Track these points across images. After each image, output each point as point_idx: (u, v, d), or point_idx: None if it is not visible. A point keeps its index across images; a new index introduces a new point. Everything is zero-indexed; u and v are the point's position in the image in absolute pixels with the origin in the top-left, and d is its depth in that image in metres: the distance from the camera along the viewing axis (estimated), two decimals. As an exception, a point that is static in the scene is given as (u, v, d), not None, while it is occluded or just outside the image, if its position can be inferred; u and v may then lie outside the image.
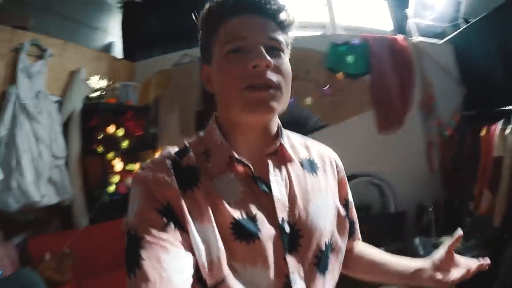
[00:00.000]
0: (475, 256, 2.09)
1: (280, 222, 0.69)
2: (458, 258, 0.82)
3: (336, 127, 3.20)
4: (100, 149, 2.99)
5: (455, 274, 0.79)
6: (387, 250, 2.60)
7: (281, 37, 0.71)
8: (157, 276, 0.57)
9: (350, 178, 3.05)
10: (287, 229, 0.70)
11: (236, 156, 0.71)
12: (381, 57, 3.03)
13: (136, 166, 3.32)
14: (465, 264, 0.81)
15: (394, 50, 3.03)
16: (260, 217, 0.69)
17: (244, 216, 0.67)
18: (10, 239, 2.22)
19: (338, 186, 0.87)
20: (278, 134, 0.78)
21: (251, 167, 0.71)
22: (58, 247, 2.40)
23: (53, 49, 2.53)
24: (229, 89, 0.68)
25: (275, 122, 0.78)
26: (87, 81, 2.91)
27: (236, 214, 0.67)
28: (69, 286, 2.27)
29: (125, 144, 3.14)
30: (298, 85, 3.14)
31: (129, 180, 3.22)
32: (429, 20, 3.26)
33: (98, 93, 2.98)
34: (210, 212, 0.65)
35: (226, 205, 0.67)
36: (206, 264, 0.62)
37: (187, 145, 0.76)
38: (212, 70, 0.73)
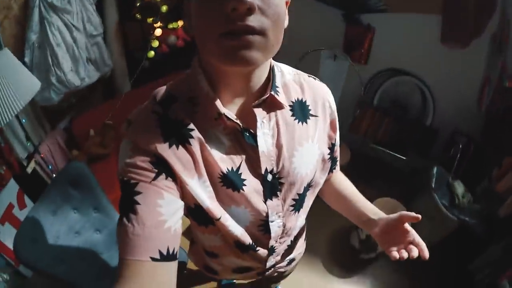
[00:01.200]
0: (473, 224, 2.12)
1: (263, 172, 0.75)
2: (409, 234, 0.82)
3: (398, 16, 2.80)
4: (138, 15, 2.95)
5: (393, 251, 0.82)
6: (405, 163, 2.68)
7: None
8: (153, 220, 0.60)
9: (397, 72, 2.94)
10: (269, 178, 0.76)
11: (225, 113, 0.68)
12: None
13: (179, 23, 3.26)
14: (408, 246, 0.81)
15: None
16: (246, 169, 0.73)
17: (231, 169, 0.71)
18: (56, 126, 2.49)
19: (329, 128, 0.87)
20: (269, 78, 0.74)
21: (240, 124, 0.70)
22: (102, 120, 2.64)
23: None
24: (204, 34, 0.59)
25: (266, 66, 0.73)
26: None
27: (224, 167, 0.71)
28: (114, 157, 2.56)
29: (164, 8, 3.03)
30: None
31: (171, 38, 3.25)
32: None
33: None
34: (202, 165, 0.69)
35: (215, 159, 0.70)
36: (208, 206, 0.71)
37: (171, 91, 0.73)
38: (191, 6, 0.62)
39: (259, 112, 0.72)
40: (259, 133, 0.72)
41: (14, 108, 1.75)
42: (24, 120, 2.00)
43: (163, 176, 0.64)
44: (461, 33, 2.47)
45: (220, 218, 0.74)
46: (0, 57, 1.74)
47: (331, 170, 0.95)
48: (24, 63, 2.03)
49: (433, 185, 2.45)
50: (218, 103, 0.68)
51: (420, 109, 3.10)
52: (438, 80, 2.88)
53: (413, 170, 3.05)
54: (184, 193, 0.69)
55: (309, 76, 0.87)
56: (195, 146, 0.68)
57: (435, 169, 2.57)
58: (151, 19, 2.99)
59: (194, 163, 0.68)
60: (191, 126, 0.68)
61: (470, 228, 2.14)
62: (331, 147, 0.89)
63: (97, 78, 2.69)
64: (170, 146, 0.66)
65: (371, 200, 0.90)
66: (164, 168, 0.65)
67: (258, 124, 0.72)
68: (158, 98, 0.72)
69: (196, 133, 0.68)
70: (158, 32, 3.07)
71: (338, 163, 0.99)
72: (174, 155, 0.66)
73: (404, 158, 2.94)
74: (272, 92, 0.72)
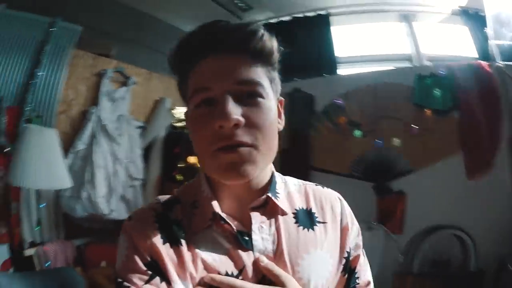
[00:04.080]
0: None
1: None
2: None
3: (422, 172, 2.80)
4: (179, 177, 3.18)
5: None
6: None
7: (257, 75, 0.64)
8: None
9: (433, 229, 2.68)
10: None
11: (220, 213, 0.67)
12: (468, 88, 2.63)
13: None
14: None
15: (480, 78, 2.60)
16: (248, 276, 0.65)
17: (230, 273, 0.64)
18: (71, 239, 2.42)
19: (340, 235, 0.77)
20: (270, 184, 0.73)
21: (233, 226, 0.67)
22: (115, 259, 2.57)
23: (138, 78, 2.78)
24: (201, 150, 0.65)
25: (266, 172, 0.72)
26: (172, 111, 3.15)
27: (219, 270, 0.64)
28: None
29: (204, 175, 3.25)
30: (386, 124, 2.89)
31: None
32: (509, 39, 2.74)
33: (182, 123, 3.21)
34: (192, 271, 0.63)
35: (207, 262, 0.64)
36: None
37: (176, 195, 0.74)
38: (188, 119, 0.68)
39: (255, 216, 0.70)
40: (256, 237, 0.68)
41: (35, 183, 1.79)
42: (41, 206, 1.97)
43: (157, 280, 0.62)
44: (483, 157, 2.47)
45: None
46: (48, 133, 1.91)
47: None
48: (64, 164, 2.15)
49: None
50: (214, 203, 0.68)
51: (462, 256, 2.72)
52: (473, 218, 2.65)
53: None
54: None
55: (316, 185, 0.84)
56: (185, 247, 0.66)
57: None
58: (189, 184, 3.18)
59: (184, 268, 0.64)
60: (185, 227, 0.68)
61: None
62: (347, 256, 0.77)
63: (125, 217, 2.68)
64: (164, 243, 0.65)
65: None
66: (157, 270, 0.63)
67: (254, 227, 0.69)
68: (162, 199, 0.74)
69: (190, 235, 0.67)
70: (194, 195, 3.20)
71: (363, 279, 0.80)
72: (167, 254, 0.64)
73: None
74: (270, 194, 0.71)
